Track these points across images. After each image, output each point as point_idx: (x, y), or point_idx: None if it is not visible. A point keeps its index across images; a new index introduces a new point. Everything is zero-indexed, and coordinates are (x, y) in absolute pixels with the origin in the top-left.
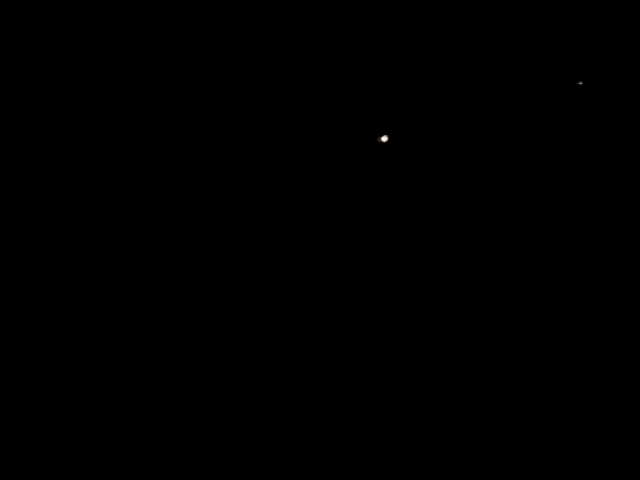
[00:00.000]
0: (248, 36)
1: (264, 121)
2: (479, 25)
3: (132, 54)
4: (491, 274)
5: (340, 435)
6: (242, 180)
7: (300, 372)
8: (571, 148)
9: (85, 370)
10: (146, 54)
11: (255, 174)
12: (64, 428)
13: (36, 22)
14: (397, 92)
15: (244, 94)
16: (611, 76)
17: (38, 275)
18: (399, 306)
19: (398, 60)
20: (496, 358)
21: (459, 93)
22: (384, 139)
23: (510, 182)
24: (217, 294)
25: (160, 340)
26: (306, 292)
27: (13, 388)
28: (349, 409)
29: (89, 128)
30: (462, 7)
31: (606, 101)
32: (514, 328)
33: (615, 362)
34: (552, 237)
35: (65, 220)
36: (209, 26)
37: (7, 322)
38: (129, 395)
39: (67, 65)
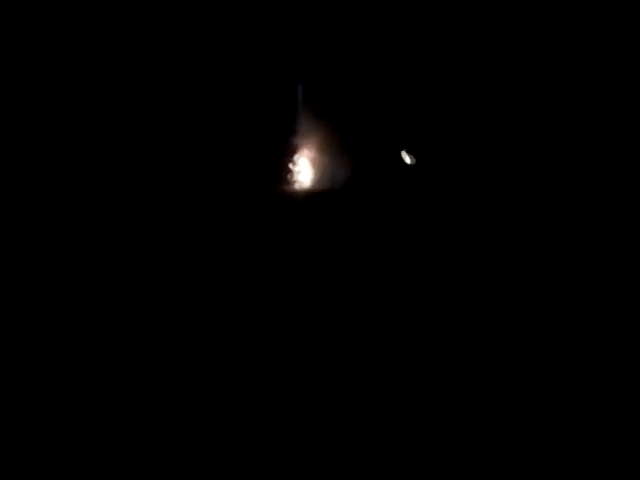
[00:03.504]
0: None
1: (264, 125)
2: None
3: (132, 54)
4: (492, 277)
5: (340, 435)
6: (241, 181)
7: (300, 373)
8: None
9: (85, 370)
10: (146, 54)
11: (254, 176)
12: (64, 428)
13: (36, 22)
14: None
15: (244, 99)
16: (611, 77)
17: (38, 275)
18: (400, 309)
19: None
20: (496, 359)
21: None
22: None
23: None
24: (217, 295)
25: (159, 340)
26: (306, 293)
27: (13, 388)
28: (349, 409)
29: (89, 128)
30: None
31: (606, 103)
32: (514, 329)
33: (615, 362)
34: (553, 239)
35: (65, 220)
36: (209, 27)
37: (7, 322)
38: (129, 395)
39: (67, 65)
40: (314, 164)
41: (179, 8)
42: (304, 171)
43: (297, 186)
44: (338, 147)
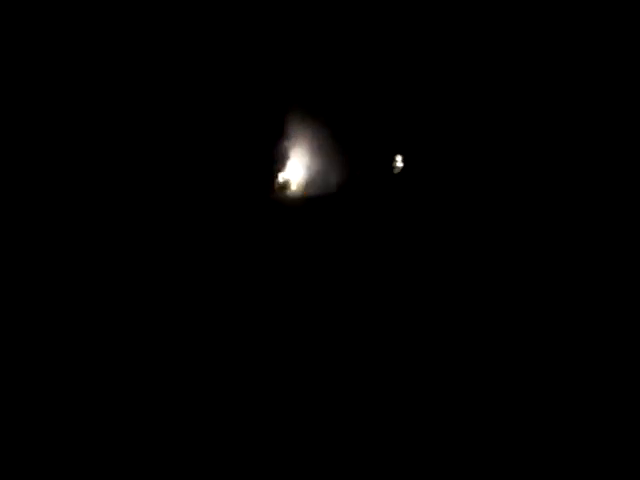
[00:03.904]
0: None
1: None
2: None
3: (132, 55)
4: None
5: (340, 435)
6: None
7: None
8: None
9: (85, 370)
10: (146, 55)
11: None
12: (64, 428)
13: (37, 22)
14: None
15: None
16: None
17: (38, 275)
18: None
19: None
20: (496, 359)
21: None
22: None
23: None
24: (217, 294)
25: (159, 340)
26: (306, 292)
27: (13, 388)
28: (348, 409)
29: (89, 128)
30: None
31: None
32: (514, 329)
33: (615, 362)
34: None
35: (65, 220)
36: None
37: (7, 322)
38: (129, 395)
39: (67, 66)
40: (306, 169)
41: (163, 18)
42: (296, 176)
43: (289, 192)
44: (331, 151)
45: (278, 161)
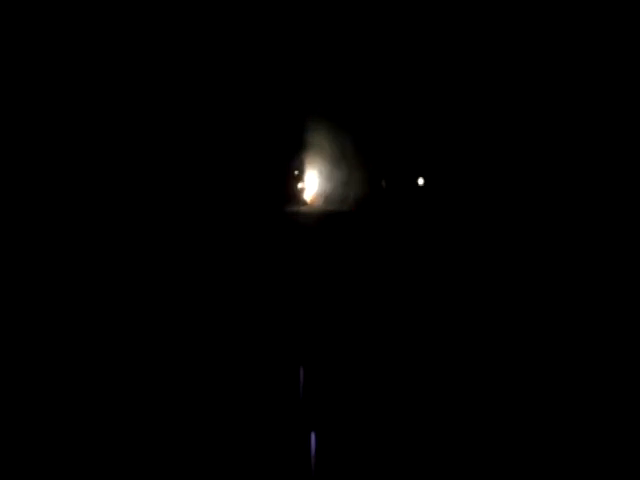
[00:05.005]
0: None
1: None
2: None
3: (132, 55)
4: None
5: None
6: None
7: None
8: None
9: (85, 370)
10: (146, 55)
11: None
12: (64, 428)
13: (37, 22)
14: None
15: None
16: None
17: (38, 275)
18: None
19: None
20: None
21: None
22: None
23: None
24: (217, 295)
25: (159, 340)
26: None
27: (13, 388)
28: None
29: (89, 128)
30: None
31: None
32: (515, 330)
33: (615, 362)
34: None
35: (65, 220)
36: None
37: (7, 322)
38: (129, 395)
39: (68, 66)
40: (324, 182)
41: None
42: (313, 190)
43: (306, 205)
44: (350, 165)
45: (295, 173)
